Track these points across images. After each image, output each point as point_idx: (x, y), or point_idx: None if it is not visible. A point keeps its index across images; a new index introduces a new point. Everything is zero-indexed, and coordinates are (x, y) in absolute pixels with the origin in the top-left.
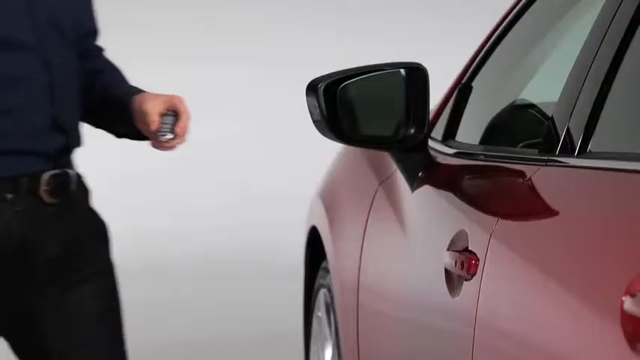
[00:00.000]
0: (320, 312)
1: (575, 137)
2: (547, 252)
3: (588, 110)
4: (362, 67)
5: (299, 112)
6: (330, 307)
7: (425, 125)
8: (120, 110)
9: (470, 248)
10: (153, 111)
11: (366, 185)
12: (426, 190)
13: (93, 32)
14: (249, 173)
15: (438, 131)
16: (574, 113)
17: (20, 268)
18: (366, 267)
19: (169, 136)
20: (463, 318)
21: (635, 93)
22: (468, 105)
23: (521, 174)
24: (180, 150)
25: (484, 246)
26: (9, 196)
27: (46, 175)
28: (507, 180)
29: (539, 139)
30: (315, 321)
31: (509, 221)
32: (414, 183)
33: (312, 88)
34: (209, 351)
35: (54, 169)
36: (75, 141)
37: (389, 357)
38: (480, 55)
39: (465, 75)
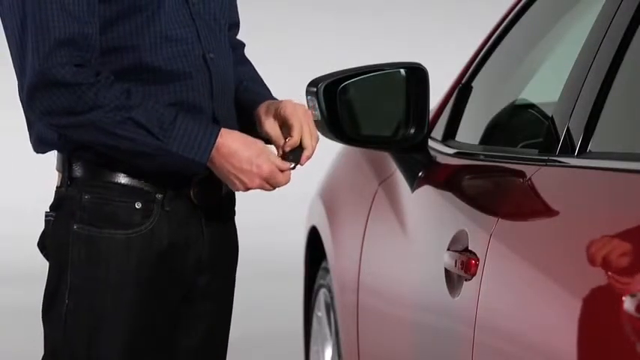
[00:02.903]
0: (320, 312)
1: (575, 137)
2: (547, 252)
3: (588, 110)
4: (362, 67)
5: None
6: (330, 307)
7: (425, 125)
8: (246, 115)
9: (470, 248)
10: (277, 136)
11: (366, 185)
12: (426, 190)
13: (235, 25)
14: None
15: (438, 131)
16: (574, 113)
17: (170, 269)
18: (366, 267)
19: (292, 165)
20: (463, 318)
21: (635, 93)
22: (468, 105)
23: (521, 174)
24: None
25: (484, 246)
26: (159, 196)
27: (198, 177)
28: (507, 180)
29: (539, 139)
30: (315, 321)
31: (509, 221)
32: (414, 183)
33: (312, 88)
34: None
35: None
36: None
37: (389, 357)
38: (480, 55)
39: (465, 75)
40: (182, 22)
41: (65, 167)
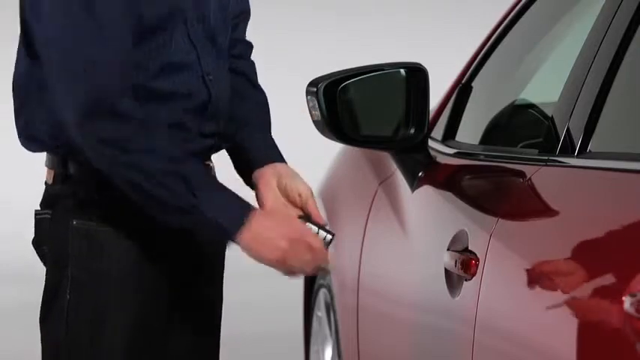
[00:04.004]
0: (320, 312)
1: (575, 137)
2: (547, 252)
3: (588, 110)
4: (362, 67)
5: (299, 112)
6: (330, 307)
7: (425, 125)
8: (239, 165)
9: (470, 248)
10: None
11: (366, 185)
12: (426, 190)
13: (245, 12)
14: None
15: (438, 131)
16: (574, 113)
17: (169, 263)
18: (366, 267)
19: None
20: (463, 318)
21: (635, 93)
22: (468, 105)
23: (521, 174)
24: None
25: (484, 246)
26: None
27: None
28: (507, 180)
29: (539, 139)
30: (315, 321)
31: (509, 221)
32: (414, 183)
33: (312, 88)
34: None
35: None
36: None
37: (389, 357)
38: (480, 55)
39: (465, 75)
40: (186, 48)
41: (59, 164)
